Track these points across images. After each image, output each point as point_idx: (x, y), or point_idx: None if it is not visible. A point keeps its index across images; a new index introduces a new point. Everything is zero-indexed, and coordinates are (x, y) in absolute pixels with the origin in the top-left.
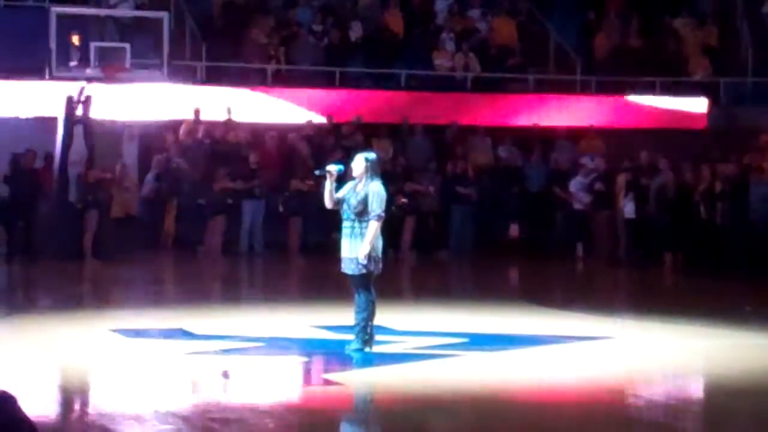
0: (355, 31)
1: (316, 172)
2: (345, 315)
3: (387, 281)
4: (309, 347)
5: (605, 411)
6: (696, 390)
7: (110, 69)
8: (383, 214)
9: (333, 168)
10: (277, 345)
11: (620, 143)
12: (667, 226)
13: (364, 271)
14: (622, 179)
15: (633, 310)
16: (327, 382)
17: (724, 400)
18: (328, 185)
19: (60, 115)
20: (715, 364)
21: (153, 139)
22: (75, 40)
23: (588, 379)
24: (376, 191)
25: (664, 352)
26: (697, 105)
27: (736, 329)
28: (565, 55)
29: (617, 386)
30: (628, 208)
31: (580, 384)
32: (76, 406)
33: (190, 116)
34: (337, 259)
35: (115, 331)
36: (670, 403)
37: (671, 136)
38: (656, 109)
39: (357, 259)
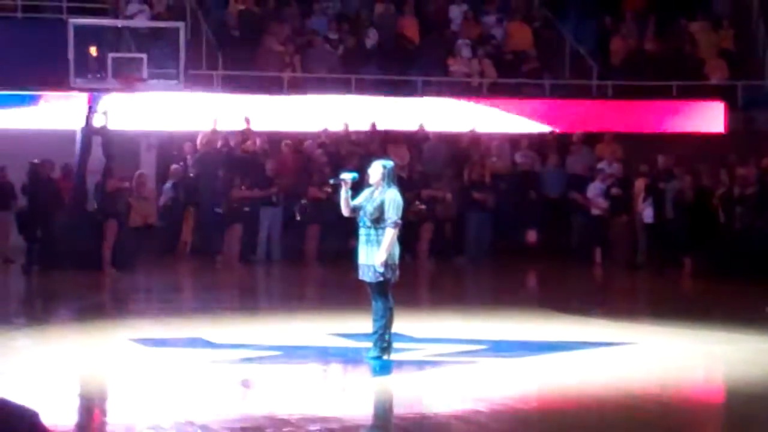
0: (371, 39)
1: (331, 181)
2: (363, 323)
3: (404, 288)
4: (327, 355)
5: (626, 417)
6: (716, 395)
7: (127, 79)
8: (399, 221)
9: (347, 176)
10: (296, 353)
11: (637, 148)
12: (686, 230)
13: (381, 278)
14: (640, 184)
15: (652, 316)
16: (345, 390)
17: (745, 405)
18: (343, 193)
19: (78, 125)
20: (735, 369)
21: (170, 149)
22: (93, 51)
23: (607, 385)
24: (392, 198)
25: (683, 357)
26: (714, 109)
27: (756, 334)
28: (581, 59)
29: (637, 392)
30: (646, 213)
31: (599, 390)
32: (97, 416)
33: (208, 125)
34: (355, 267)
35: (134, 340)
36: (690, 408)
37: (688, 140)
38: (673, 113)
39: (374, 266)
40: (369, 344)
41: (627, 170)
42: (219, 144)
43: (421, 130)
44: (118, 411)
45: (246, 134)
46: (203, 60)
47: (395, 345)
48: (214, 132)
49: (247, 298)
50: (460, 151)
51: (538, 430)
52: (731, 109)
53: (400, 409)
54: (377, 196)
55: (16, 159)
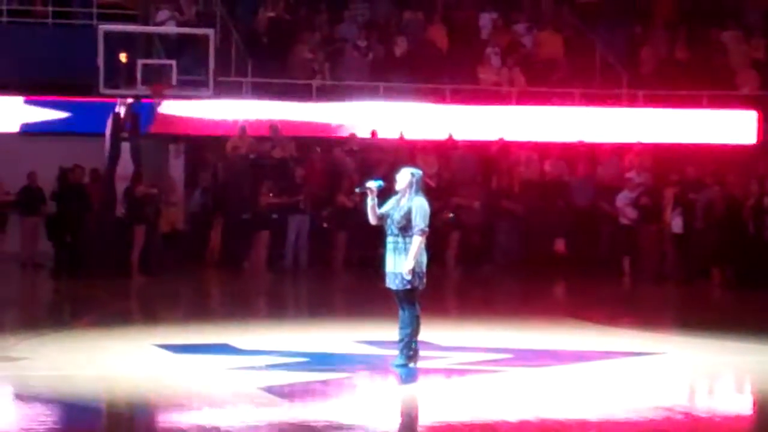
0: (400, 46)
1: (357, 190)
2: (389, 330)
3: (431, 296)
4: (353, 362)
5: (652, 428)
6: (744, 406)
7: (157, 86)
8: (426, 229)
9: (372, 184)
10: (322, 360)
11: (667, 157)
12: (715, 241)
13: (408, 286)
14: (669, 194)
15: (680, 326)
16: (371, 398)
17: None
18: (370, 202)
19: (107, 131)
20: (764, 381)
21: (199, 155)
22: (122, 57)
23: (635, 395)
24: (419, 206)
25: (711, 368)
26: (745, 118)
27: None
28: (611, 68)
29: (664, 403)
30: (675, 223)
31: (626, 401)
32: (122, 421)
33: (236, 132)
34: (382, 275)
35: (160, 346)
36: (717, 420)
37: (719, 150)
38: (703, 122)
39: (401, 274)
40: (395, 352)
41: (656, 180)
42: (247, 150)
43: (450, 139)
44: (143, 416)
45: (274, 140)
46: (232, 67)
47: (422, 353)
48: (243, 139)
49: (274, 305)
50: (489, 159)
51: None
52: (762, 120)
53: (425, 417)
54: (404, 203)
55: (46, 164)
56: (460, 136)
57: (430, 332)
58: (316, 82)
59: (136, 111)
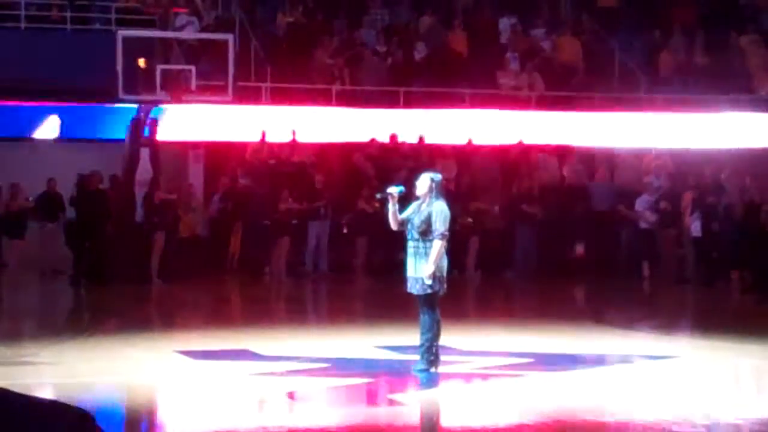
0: (419, 51)
1: (378, 196)
2: (410, 335)
3: (452, 301)
4: (374, 368)
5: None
6: (764, 410)
7: (176, 91)
8: (447, 233)
9: (393, 190)
10: (343, 366)
11: (686, 161)
12: (734, 244)
13: (429, 291)
14: (688, 198)
15: (700, 330)
16: (393, 403)
17: None
18: (391, 207)
19: (126, 137)
20: None
21: (218, 160)
22: (141, 63)
23: (655, 399)
24: (439, 210)
25: (731, 371)
26: (763, 122)
27: None
28: (630, 73)
29: (685, 407)
30: (694, 227)
31: (647, 404)
32: (144, 428)
33: (256, 137)
34: (403, 279)
35: (181, 352)
36: (737, 423)
37: (737, 153)
38: (722, 126)
39: (422, 279)
40: (416, 357)
41: (675, 184)
42: (266, 156)
43: (470, 143)
44: (164, 423)
45: (293, 146)
46: (252, 72)
47: (442, 358)
48: (263, 144)
49: (295, 311)
50: (509, 164)
51: None
52: None
53: (447, 421)
54: (424, 208)
55: (65, 170)
56: (479, 140)
57: (451, 337)
58: (335, 87)
59: (156, 117)
